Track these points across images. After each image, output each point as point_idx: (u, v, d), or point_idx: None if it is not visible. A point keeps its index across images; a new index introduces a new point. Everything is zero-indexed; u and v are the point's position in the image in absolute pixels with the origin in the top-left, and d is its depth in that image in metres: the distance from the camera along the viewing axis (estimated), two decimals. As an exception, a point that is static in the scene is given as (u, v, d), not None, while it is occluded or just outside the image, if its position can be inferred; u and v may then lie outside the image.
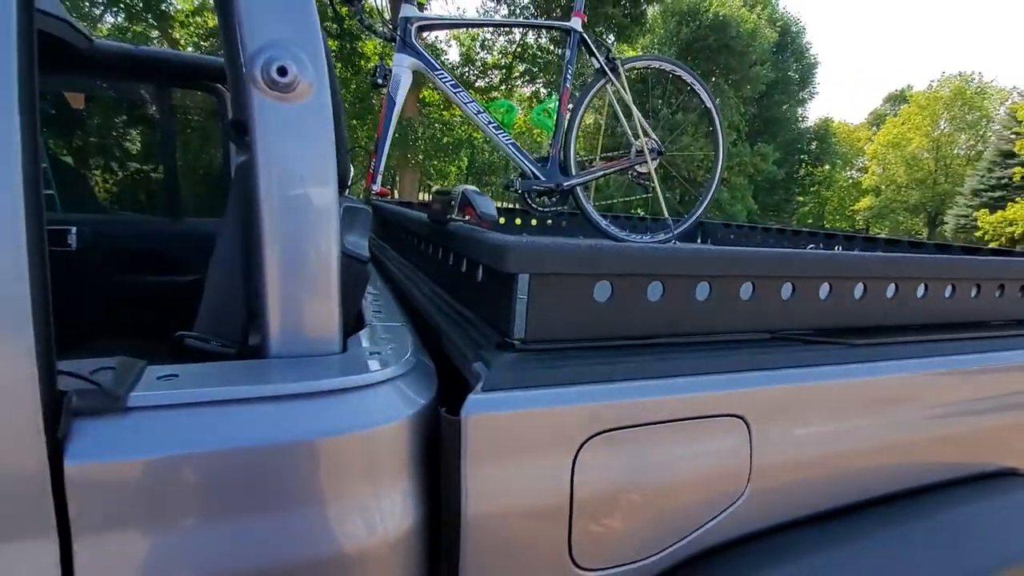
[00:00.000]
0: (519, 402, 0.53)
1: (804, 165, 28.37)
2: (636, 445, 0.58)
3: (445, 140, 14.53)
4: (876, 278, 0.83)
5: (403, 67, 1.78)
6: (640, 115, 2.06)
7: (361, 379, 0.50)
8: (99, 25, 12.57)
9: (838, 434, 0.72)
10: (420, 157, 12.81)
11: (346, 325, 0.61)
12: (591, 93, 2.03)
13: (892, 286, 0.85)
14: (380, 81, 1.77)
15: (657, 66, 2.13)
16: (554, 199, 2.08)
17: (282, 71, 0.48)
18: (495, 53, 16.07)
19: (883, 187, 28.27)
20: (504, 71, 15.77)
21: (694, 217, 2.26)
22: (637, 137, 2.11)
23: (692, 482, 0.62)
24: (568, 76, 1.99)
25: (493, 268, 0.61)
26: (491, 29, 15.31)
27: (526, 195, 2.05)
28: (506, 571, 0.53)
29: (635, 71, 2.16)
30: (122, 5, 13.15)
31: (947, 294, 0.91)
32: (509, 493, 0.52)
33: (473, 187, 0.80)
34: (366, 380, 0.50)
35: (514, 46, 15.54)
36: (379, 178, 1.78)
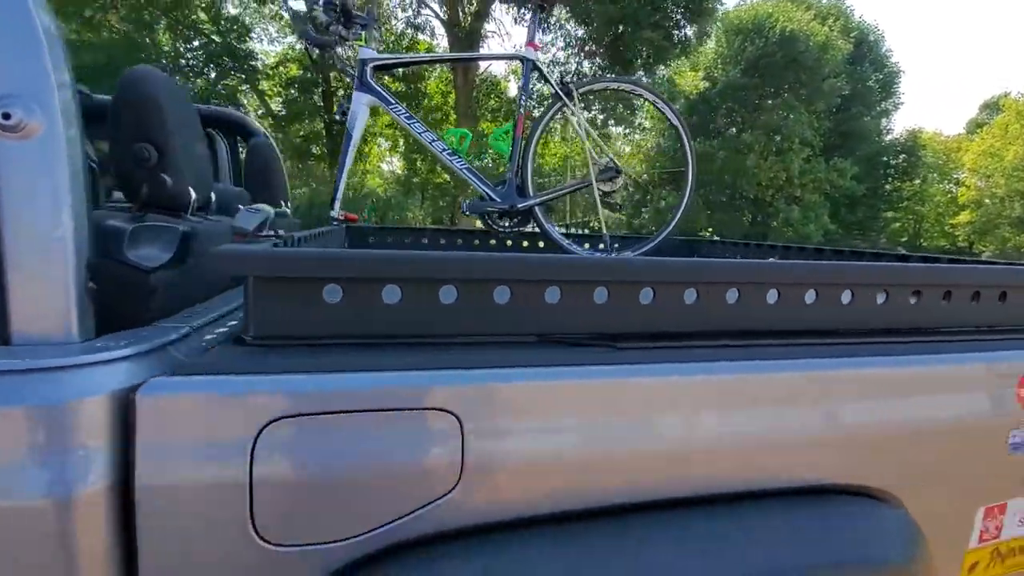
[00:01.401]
0: (198, 386, 0.61)
1: (890, 180, 26.32)
2: (328, 432, 0.64)
3: (500, 171, 14.91)
4: (669, 283, 0.83)
5: (361, 104, 1.95)
6: (595, 136, 2.10)
7: (77, 359, 0.60)
8: (196, 80, 14.24)
9: (574, 436, 0.72)
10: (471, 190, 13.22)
11: (119, 323, 0.72)
12: (547, 116, 2.10)
13: (693, 291, 0.85)
14: (339, 117, 1.94)
15: (615, 87, 2.17)
16: (515, 220, 2.15)
17: (6, 116, 0.61)
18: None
19: (985, 200, 25.58)
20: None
21: (663, 235, 2.24)
22: (595, 158, 2.14)
23: (391, 473, 0.66)
24: (522, 102, 2.08)
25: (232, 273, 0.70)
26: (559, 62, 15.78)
27: (486, 217, 2.13)
28: (185, 540, 0.61)
29: (593, 93, 2.21)
30: (218, 64, 14.84)
31: (772, 300, 0.89)
32: (184, 468, 0.60)
33: (256, 206, 0.90)
34: (80, 360, 0.60)
35: (570, 76, 15.86)
36: (337, 204, 1.94)
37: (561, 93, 2.06)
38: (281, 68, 16.47)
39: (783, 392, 0.82)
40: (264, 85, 16.71)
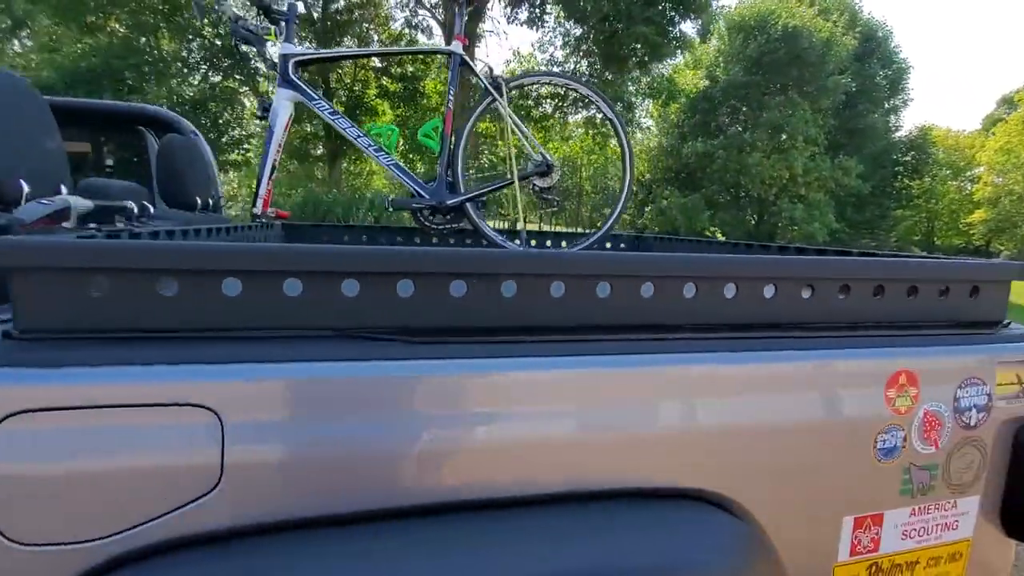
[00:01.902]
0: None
1: (899, 177, 25.93)
2: (74, 428, 0.61)
3: (499, 169, 14.92)
4: (483, 275, 0.80)
5: (283, 100, 1.93)
6: (528, 131, 2.06)
7: None
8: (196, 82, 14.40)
9: (348, 434, 0.69)
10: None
11: None
12: (478, 111, 2.07)
13: (512, 284, 0.81)
14: (260, 114, 1.92)
15: (547, 81, 2.13)
16: (448, 217, 2.12)
17: None
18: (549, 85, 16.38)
19: (1002, 198, 25.09)
20: (558, 99, 16.04)
21: (600, 234, 2.20)
22: (530, 154, 2.11)
23: (143, 472, 0.63)
24: (450, 96, 2.05)
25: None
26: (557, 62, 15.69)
27: (418, 214, 2.11)
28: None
29: (524, 88, 2.17)
30: (217, 66, 14.97)
31: (604, 294, 0.84)
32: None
33: (55, 198, 0.88)
34: None
35: (585, 75, 15.79)
36: (259, 201, 1.92)
37: (490, 88, 2.03)
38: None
39: (606, 389, 0.78)
40: (264, 87, 16.82)
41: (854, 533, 0.92)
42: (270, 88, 16.72)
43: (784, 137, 20.01)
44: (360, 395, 0.70)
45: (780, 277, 0.92)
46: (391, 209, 2.09)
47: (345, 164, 17.93)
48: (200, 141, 2.02)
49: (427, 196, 2.03)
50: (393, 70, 15.32)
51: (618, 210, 2.18)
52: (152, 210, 1.45)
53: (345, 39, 15.82)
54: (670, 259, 0.88)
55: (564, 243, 2.33)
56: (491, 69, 2.04)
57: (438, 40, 15.14)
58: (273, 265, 0.73)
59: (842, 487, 0.91)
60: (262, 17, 1.89)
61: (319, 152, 17.09)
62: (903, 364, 0.90)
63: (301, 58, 1.93)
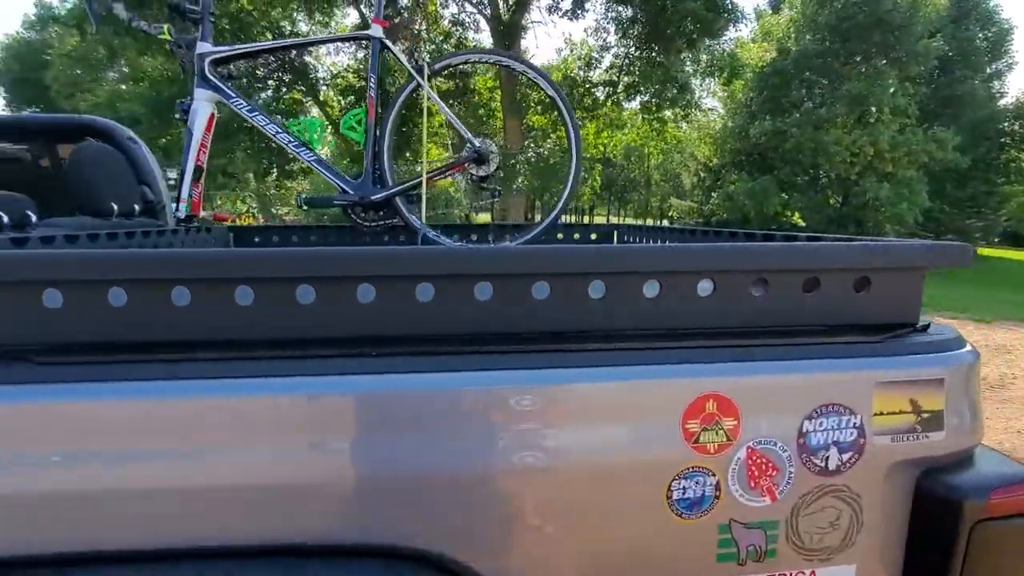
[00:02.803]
0: None
1: (1006, 149, 22.82)
2: None
3: (552, 162, 14.66)
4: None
5: (201, 101, 1.89)
6: (454, 117, 1.90)
7: None
8: (261, 95, 15.25)
9: None
10: (520, 180, 13.07)
11: None
12: (400, 98, 1.93)
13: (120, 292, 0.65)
14: (178, 116, 1.90)
15: (476, 59, 1.96)
16: (379, 213, 2.00)
17: None
18: (601, 71, 15.91)
19: None
20: (609, 87, 15.51)
21: (545, 223, 2.00)
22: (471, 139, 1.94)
23: None
24: (372, 84, 1.92)
25: None
26: (602, 47, 15.19)
27: (349, 212, 2.00)
28: None
29: (450, 69, 2.00)
30: (281, 80, 15.79)
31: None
32: None
33: None
34: None
35: (620, 60, 15.21)
36: (183, 204, 1.90)
37: (413, 72, 1.88)
38: (339, 79, 17.18)
39: (247, 421, 0.63)
40: (326, 95, 17.54)
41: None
42: (332, 96, 17.41)
43: (868, 110, 18.16)
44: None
45: (505, 274, 0.70)
46: (304, 207, 2.00)
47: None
48: (136, 148, 2.03)
49: (351, 192, 1.92)
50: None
51: (564, 196, 1.97)
52: (33, 218, 1.44)
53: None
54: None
55: (508, 237, 2.14)
56: (413, 51, 1.89)
57: (484, 37, 15.11)
58: None
59: (623, 551, 0.69)
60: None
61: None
62: (711, 386, 0.67)
63: (217, 56, 1.88)
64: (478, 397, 0.66)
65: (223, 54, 1.90)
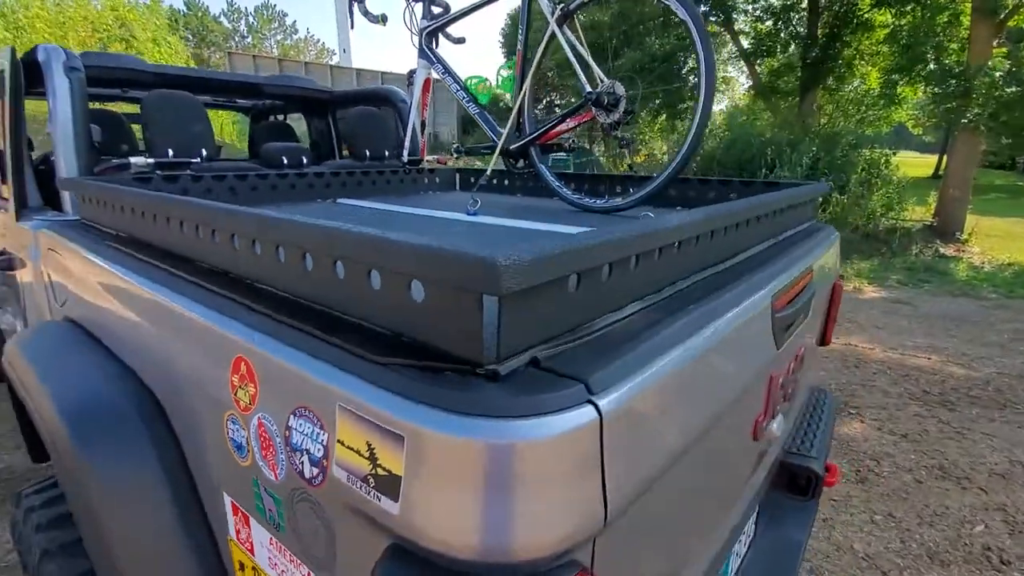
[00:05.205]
0: None
1: None
2: None
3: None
4: None
5: (420, 70, 2.39)
6: (592, 60, 1.75)
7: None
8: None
9: None
10: (976, 112, 9.12)
11: None
12: (541, 47, 1.94)
13: None
14: (409, 82, 2.46)
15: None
16: (524, 161, 2.14)
17: None
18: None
19: None
20: None
21: (665, 175, 1.71)
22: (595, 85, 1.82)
23: None
24: (521, 34, 1.99)
25: None
26: None
27: (503, 159, 2.22)
28: None
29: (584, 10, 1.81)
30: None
31: None
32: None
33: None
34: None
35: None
36: (405, 152, 2.51)
37: (549, 16, 1.86)
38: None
39: None
40: (740, 23, 16.16)
41: (235, 517, 0.82)
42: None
43: None
44: None
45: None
46: (458, 155, 2.28)
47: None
48: (404, 107, 2.74)
49: (496, 141, 2.10)
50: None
51: (688, 142, 1.61)
52: (305, 160, 2.29)
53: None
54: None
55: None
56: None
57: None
58: None
59: (211, 462, 0.82)
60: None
61: (785, 86, 15.50)
62: (245, 350, 0.72)
63: (430, 27, 2.31)
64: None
65: (433, 25, 2.32)
